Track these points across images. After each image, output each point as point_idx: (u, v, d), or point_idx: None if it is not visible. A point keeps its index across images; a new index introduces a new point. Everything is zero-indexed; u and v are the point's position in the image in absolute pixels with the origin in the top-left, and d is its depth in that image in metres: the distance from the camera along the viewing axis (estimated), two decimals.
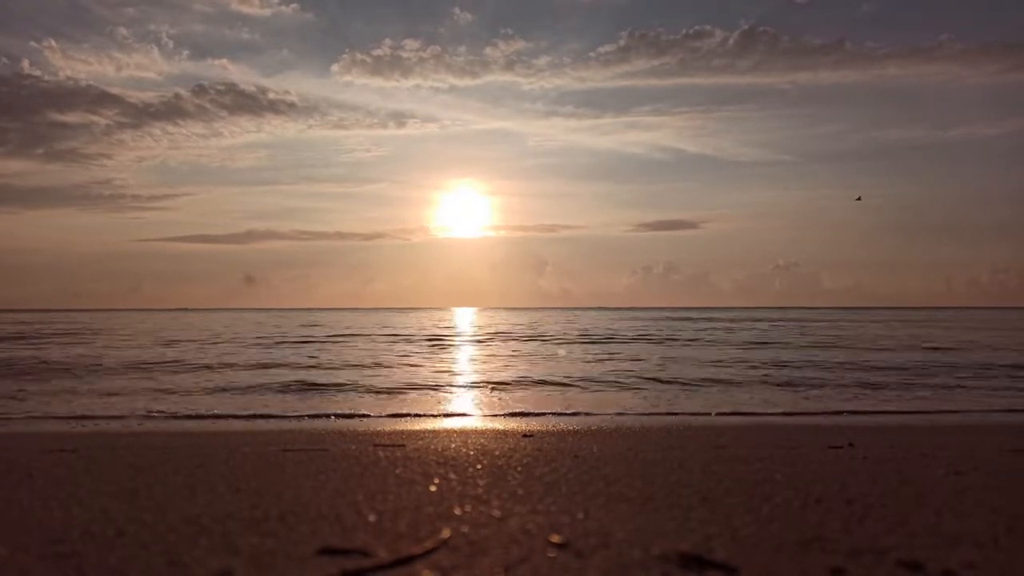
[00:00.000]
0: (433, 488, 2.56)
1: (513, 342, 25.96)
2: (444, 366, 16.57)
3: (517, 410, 9.58)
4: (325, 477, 2.87)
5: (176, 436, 5.95)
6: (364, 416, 8.92)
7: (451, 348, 23.02)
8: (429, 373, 14.79)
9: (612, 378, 13.60)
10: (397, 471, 3.01)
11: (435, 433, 5.92)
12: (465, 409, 9.79)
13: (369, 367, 16.10)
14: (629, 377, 13.78)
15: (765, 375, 14.14)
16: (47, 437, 5.96)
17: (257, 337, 28.27)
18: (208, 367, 15.73)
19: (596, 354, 19.91)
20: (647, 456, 3.66)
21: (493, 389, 12.07)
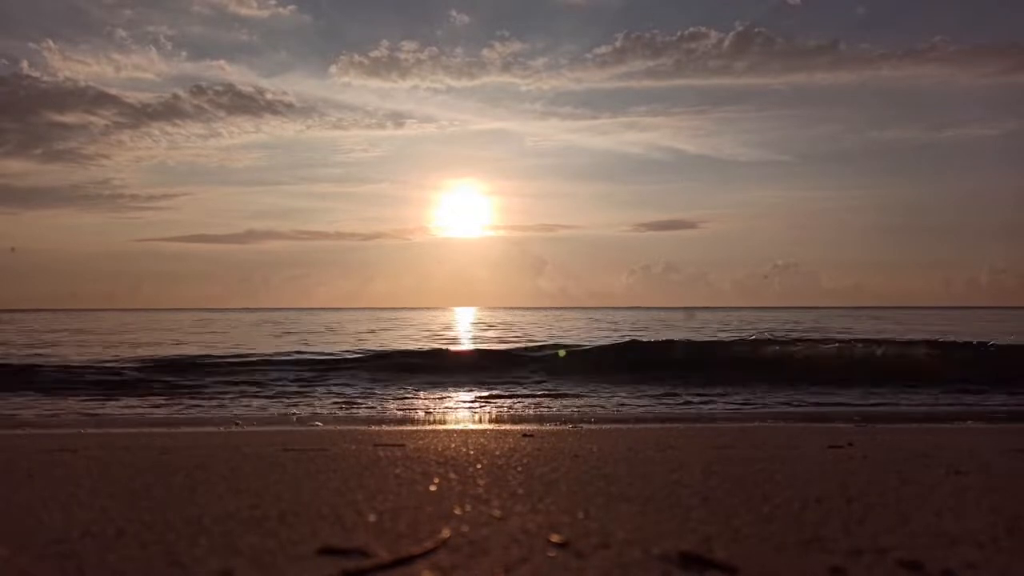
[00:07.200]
0: (433, 488, 2.56)
1: None
2: None
3: (517, 410, 9.59)
4: (325, 477, 2.87)
5: (176, 436, 5.94)
6: (364, 416, 8.92)
7: None
8: None
9: None
10: (397, 471, 3.01)
11: (435, 433, 5.91)
12: (465, 409, 9.79)
13: None
14: None
15: None
16: (47, 437, 5.96)
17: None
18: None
19: None
20: (647, 456, 3.66)
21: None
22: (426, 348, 18.63)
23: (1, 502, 2.40)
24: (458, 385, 12.54)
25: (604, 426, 7.17)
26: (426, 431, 6.23)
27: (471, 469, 3.03)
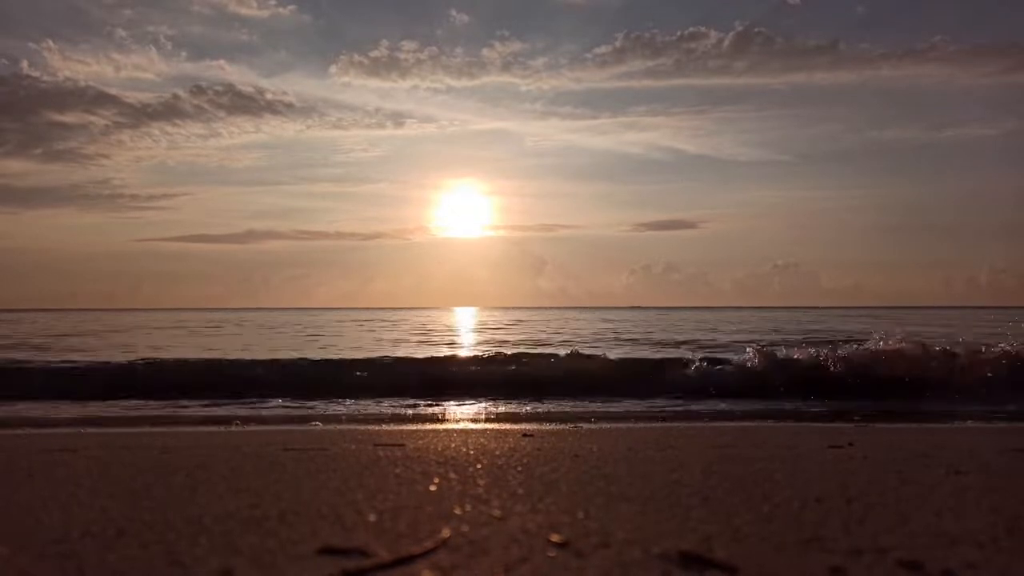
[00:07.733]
0: (433, 488, 2.56)
1: None
2: None
3: (517, 410, 9.59)
4: (325, 477, 2.87)
5: (176, 436, 5.94)
6: (364, 415, 8.92)
7: None
8: None
9: None
10: (397, 471, 3.01)
11: (435, 433, 5.91)
12: (465, 409, 9.80)
13: None
14: None
15: None
16: (47, 437, 5.96)
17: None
18: None
19: None
20: (647, 456, 3.66)
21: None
22: (426, 350, 18.75)
23: (1, 502, 2.40)
24: (457, 386, 12.54)
25: (604, 426, 7.17)
26: (426, 431, 6.23)
27: (471, 469, 3.03)
